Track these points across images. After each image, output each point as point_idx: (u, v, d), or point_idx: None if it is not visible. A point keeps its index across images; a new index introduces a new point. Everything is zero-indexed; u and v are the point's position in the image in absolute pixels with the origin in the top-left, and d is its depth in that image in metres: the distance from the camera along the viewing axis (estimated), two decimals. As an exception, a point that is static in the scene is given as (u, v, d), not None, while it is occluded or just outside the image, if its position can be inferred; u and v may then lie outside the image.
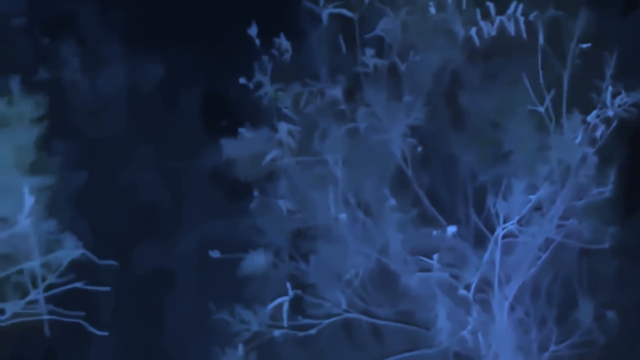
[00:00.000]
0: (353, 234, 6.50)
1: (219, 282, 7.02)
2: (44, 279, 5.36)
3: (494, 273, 5.87)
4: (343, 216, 6.48)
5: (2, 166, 5.61)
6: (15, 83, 5.98)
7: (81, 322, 5.51)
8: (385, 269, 6.57)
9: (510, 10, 6.20)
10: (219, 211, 7.27)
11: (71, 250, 5.49)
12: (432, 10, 6.20)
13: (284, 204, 6.70)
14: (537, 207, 5.96)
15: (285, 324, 6.22)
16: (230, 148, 6.87)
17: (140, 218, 7.02)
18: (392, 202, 6.16)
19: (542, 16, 6.16)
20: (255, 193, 6.77)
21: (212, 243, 6.89)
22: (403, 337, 6.51)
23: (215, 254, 6.67)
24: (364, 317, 6.38)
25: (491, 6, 6.16)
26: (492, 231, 5.96)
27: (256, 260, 6.74)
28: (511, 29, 6.07)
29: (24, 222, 5.06)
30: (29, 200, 5.11)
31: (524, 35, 6.19)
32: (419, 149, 6.30)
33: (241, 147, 6.87)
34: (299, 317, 6.34)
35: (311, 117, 6.81)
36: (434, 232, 6.02)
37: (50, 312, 5.39)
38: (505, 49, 6.38)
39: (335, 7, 6.63)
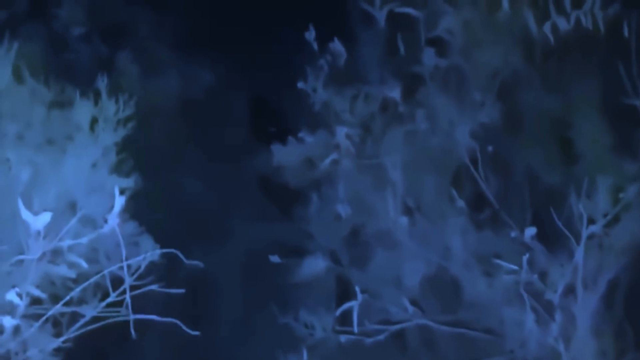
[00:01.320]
0: (412, 237, 6.37)
1: (274, 287, 6.92)
2: (122, 282, 5.27)
3: (576, 276, 5.60)
4: (403, 220, 6.34)
5: (92, 166, 5.53)
6: (102, 84, 5.92)
7: (175, 321, 5.42)
8: (447, 275, 6.30)
9: (588, 6, 5.98)
10: (269, 216, 7.25)
11: (149, 251, 5.41)
12: (505, 4, 5.99)
13: (341, 208, 6.58)
14: (623, 207, 5.68)
15: (355, 329, 6.05)
16: (280, 154, 6.83)
17: (190, 222, 7.01)
18: (461, 203, 5.93)
19: (623, 11, 5.92)
20: (313, 197, 6.69)
21: (265, 247, 6.88)
22: (467, 345, 6.26)
23: (275, 259, 6.56)
24: (433, 324, 6.15)
25: (567, 0, 5.95)
26: (572, 232, 5.70)
27: (315, 265, 6.59)
28: (588, 24, 5.83)
29: (112, 223, 5.02)
30: (119, 201, 5.06)
31: (602, 30, 5.96)
32: (489, 148, 6.06)
33: (292, 152, 6.82)
34: (366, 323, 6.16)
35: (368, 120, 6.70)
36: (512, 234, 5.78)
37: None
38: (578, 45, 6.15)
39: (398, 6, 6.46)
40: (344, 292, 6.64)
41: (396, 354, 6.56)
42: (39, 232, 4.99)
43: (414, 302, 6.43)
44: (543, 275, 5.94)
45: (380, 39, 6.81)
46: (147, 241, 5.82)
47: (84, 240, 5.27)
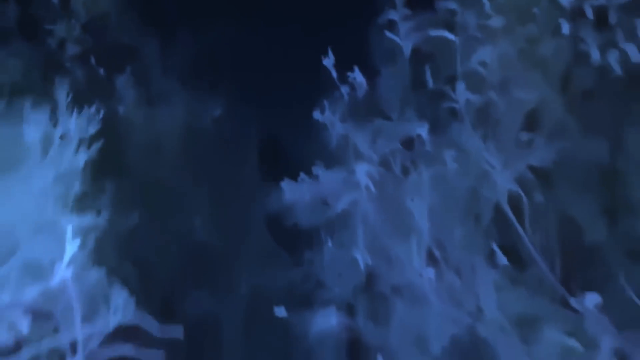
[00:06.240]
0: (439, 293, 5.72)
1: (280, 342, 6.29)
2: (85, 344, 4.28)
3: None
4: (429, 272, 5.71)
5: (41, 200, 4.60)
6: (62, 95, 5.07)
7: None
8: (479, 338, 5.52)
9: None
10: (277, 260, 6.83)
11: (120, 307, 4.46)
12: (565, 29, 5.30)
13: (359, 255, 5.96)
14: None
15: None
16: (291, 191, 6.33)
17: (191, 264, 6.54)
18: (498, 257, 5.17)
19: None
20: (327, 241, 6.13)
21: (270, 296, 6.41)
22: None
23: (280, 311, 5.81)
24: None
25: (640, 24, 5.25)
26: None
27: (326, 320, 5.84)
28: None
29: (65, 272, 4.06)
30: (72, 244, 4.12)
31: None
32: (539, 198, 5.32)
33: (304, 190, 6.33)
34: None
35: (391, 159, 6.13)
36: (572, 300, 4.98)
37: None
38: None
39: (425, 35, 5.84)
40: (358, 352, 5.94)
41: None
42: None
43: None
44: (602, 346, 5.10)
45: (404, 71, 6.26)
46: (117, 294, 4.86)
47: (30, 294, 4.24)
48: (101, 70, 6.95)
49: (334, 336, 6.00)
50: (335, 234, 6.17)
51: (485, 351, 5.67)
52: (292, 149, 7.06)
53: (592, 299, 5.00)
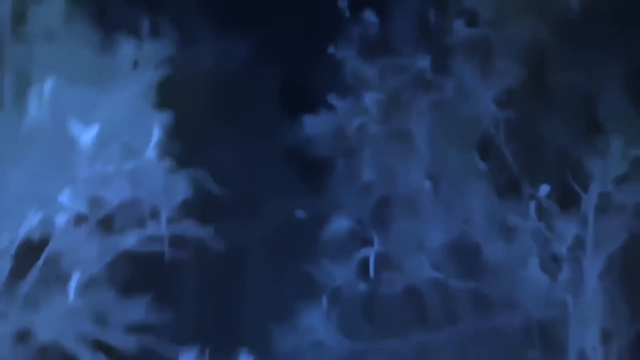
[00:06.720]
0: (435, 203, 6.48)
1: (301, 245, 6.95)
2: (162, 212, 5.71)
3: (585, 230, 5.69)
4: (426, 184, 6.46)
5: (132, 101, 5.94)
6: (145, 26, 6.26)
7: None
8: (469, 240, 6.37)
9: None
10: (298, 188, 7.24)
11: (184, 188, 5.76)
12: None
13: (365, 173, 6.69)
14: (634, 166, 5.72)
15: (372, 275, 6.22)
16: (311, 123, 6.90)
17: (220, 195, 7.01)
18: (483, 169, 6.02)
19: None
20: (338, 166, 6.77)
21: (292, 220, 6.95)
22: (480, 301, 6.37)
23: (300, 213, 6.70)
24: (448, 283, 6.29)
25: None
26: (585, 190, 5.77)
27: (339, 224, 6.69)
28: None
29: (151, 154, 5.39)
30: (156, 133, 5.45)
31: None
32: (511, 113, 6.13)
33: (323, 122, 6.89)
34: (382, 275, 6.31)
35: (397, 88, 6.80)
36: (528, 190, 5.87)
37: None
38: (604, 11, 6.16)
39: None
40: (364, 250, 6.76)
41: (412, 306, 6.69)
42: (87, 153, 5.36)
43: (434, 265, 6.48)
44: (553, 228, 5.97)
45: (412, 10, 6.90)
46: (181, 179, 6.16)
47: (127, 167, 5.68)
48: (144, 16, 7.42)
49: (344, 237, 6.71)
50: (347, 158, 6.81)
51: (474, 251, 6.44)
52: (310, 84, 7.37)
53: (543, 190, 5.90)
